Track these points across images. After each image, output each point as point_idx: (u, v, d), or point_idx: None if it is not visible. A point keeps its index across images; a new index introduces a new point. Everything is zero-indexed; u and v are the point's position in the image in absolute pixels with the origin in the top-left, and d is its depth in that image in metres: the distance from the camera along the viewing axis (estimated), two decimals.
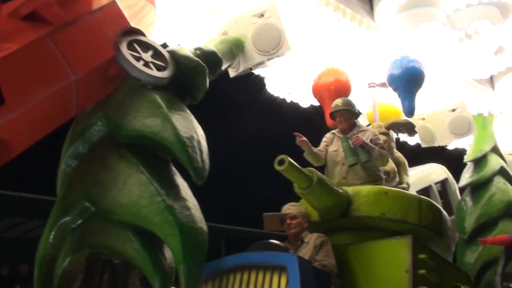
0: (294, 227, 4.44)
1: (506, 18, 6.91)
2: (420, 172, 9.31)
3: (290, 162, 3.99)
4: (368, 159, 4.75)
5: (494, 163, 9.06)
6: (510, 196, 8.82)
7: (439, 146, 11.04)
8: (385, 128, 6.70)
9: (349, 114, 5.08)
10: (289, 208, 4.54)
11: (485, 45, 6.90)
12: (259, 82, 8.05)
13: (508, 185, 9.02)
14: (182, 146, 3.56)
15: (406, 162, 6.85)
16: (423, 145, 9.11)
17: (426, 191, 9.11)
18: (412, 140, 9.74)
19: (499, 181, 8.94)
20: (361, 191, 4.53)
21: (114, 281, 3.92)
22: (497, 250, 7.87)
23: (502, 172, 9.07)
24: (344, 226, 4.62)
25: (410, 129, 6.98)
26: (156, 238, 3.38)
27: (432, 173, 9.44)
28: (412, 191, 8.72)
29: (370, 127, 6.55)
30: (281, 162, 4.00)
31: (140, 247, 3.43)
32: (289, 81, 7.93)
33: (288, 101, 8.20)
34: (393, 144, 6.74)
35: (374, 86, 7.90)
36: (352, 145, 4.77)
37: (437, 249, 4.76)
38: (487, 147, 9.17)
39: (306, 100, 8.16)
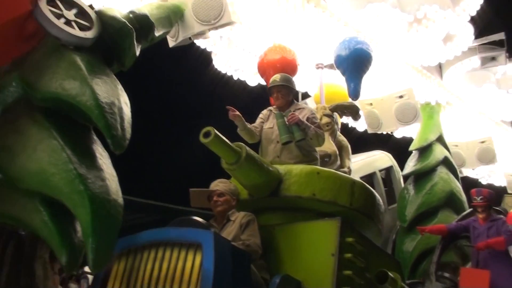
0: (220, 205, 4.23)
1: (456, 5, 6.84)
2: (365, 158, 9.23)
3: (216, 135, 3.75)
4: (302, 137, 4.57)
5: (439, 153, 9.08)
6: (451, 186, 8.86)
7: (387, 134, 11.04)
8: (330, 110, 6.54)
9: (287, 90, 4.88)
10: (217, 185, 4.32)
11: (434, 31, 6.81)
12: (206, 56, 7.79)
13: (451, 175, 9.07)
14: (100, 111, 3.28)
15: (349, 147, 6.72)
16: (370, 131, 9.04)
17: (370, 177, 9.05)
18: (360, 126, 9.68)
19: (442, 171, 8.97)
20: (292, 170, 4.34)
21: (19, 254, 3.63)
22: (435, 239, 7.89)
23: (445, 162, 9.10)
24: (273, 206, 4.43)
25: (354, 112, 6.83)
26: (67, 210, 3.11)
27: (377, 160, 9.38)
28: (356, 177, 8.67)
29: (313, 108, 6.38)
30: (207, 135, 3.75)
31: (48, 218, 3.16)
32: (236, 58, 7.69)
33: (235, 78, 7.96)
34: (337, 127, 6.60)
35: (322, 67, 7.74)
36: (287, 122, 4.57)
37: (368, 234, 4.64)
38: (432, 137, 9.18)
39: (254, 78, 7.94)
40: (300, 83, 8.47)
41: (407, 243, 8.42)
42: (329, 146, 5.95)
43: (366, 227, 4.60)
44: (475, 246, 7.14)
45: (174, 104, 14.89)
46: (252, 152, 4.04)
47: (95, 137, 3.63)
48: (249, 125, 4.75)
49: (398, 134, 10.97)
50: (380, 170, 9.25)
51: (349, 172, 6.26)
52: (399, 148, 9.82)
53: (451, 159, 9.32)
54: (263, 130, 4.85)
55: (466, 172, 13.44)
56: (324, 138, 4.84)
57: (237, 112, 4.58)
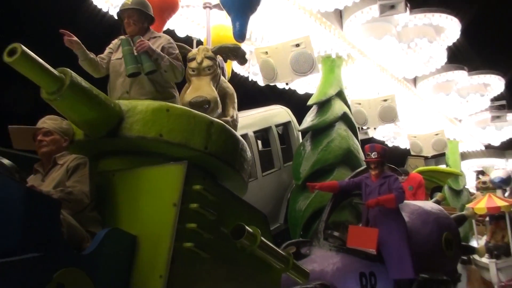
0: (46, 145, 3.45)
1: None
2: (262, 112, 8.69)
3: (24, 52, 2.93)
4: (153, 69, 3.84)
5: (338, 108, 8.67)
6: (349, 143, 8.50)
7: (290, 89, 10.56)
8: (212, 52, 5.86)
9: (140, 15, 4.11)
10: (44, 122, 3.54)
11: None
12: None
13: (349, 132, 8.70)
14: None
15: (235, 95, 6.08)
16: (264, 82, 8.47)
17: (265, 132, 8.54)
18: (260, 80, 9.08)
19: (340, 128, 8.58)
20: (137, 106, 3.61)
21: None
22: (329, 198, 7.52)
23: (344, 118, 8.72)
24: (114, 149, 3.70)
25: (240, 56, 6.15)
26: None
27: (274, 114, 8.87)
28: (249, 131, 8.11)
29: (195, 49, 5.66)
30: (12, 53, 2.93)
31: None
32: None
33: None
34: (220, 71, 5.94)
35: (210, 7, 7.04)
36: (135, 51, 3.83)
37: (230, 185, 4.04)
38: (332, 92, 8.74)
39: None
40: (187, 25, 7.73)
41: (300, 201, 8.01)
42: (209, 91, 5.25)
43: (226, 176, 3.98)
44: (365, 204, 6.78)
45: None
46: (79, 79, 3.25)
47: None
48: (92, 55, 3.97)
49: (301, 89, 10.54)
50: (277, 125, 8.76)
51: (233, 122, 5.65)
52: (303, 106, 9.29)
53: (351, 116, 8.96)
54: (111, 61, 4.08)
55: (372, 133, 13.33)
56: (183, 72, 4.16)
57: (74, 38, 3.77)
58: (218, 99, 5.27)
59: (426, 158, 13.86)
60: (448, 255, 7.49)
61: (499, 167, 14.48)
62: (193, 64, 4.61)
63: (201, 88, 4.58)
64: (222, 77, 6.02)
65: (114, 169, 3.60)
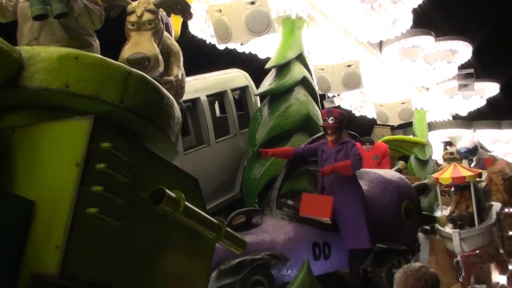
0: None
1: None
2: (217, 76, 8.23)
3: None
4: (64, 11, 3.34)
5: (297, 72, 8.25)
6: (308, 109, 8.12)
7: (251, 53, 10.07)
8: (154, 5, 5.35)
9: None
10: None
11: None
12: None
13: (309, 97, 8.31)
14: None
15: (181, 52, 5.61)
16: (219, 43, 7.99)
17: (220, 96, 8.09)
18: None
19: (300, 92, 8.19)
20: (40, 53, 3.11)
21: None
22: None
23: (304, 83, 8.32)
24: (13, 103, 3.22)
25: (184, 9, 5.66)
26: None
27: (231, 78, 8.41)
28: (202, 94, 7.64)
29: (135, 2, 5.15)
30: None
31: None
32: None
33: None
34: (163, 26, 5.45)
35: None
36: None
37: (156, 146, 3.61)
38: (291, 54, 8.31)
39: None
40: None
41: (256, 169, 7.63)
42: (149, 48, 4.76)
43: (149, 135, 3.54)
44: (320, 171, 6.43)
45: None
46: None
47: None
48: None
49: (263, 54, 10.09)
50: (233, 90, 8.31)
51: (178, 82, 5.20)
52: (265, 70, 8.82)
53: (311, 80, 8.57)
54: (18, 4, 3.57)
55: (338, 102, 12.96)
56: (101, 18, 3.66)
57: None
58: (160, 56, 4.79)
59: (393, 127, 13.60)
60: (408, 224, 7.23)
61: (466, 138, 14.26)
62: (132, 18, 4.20)
63: (140, 44, 4.14)
64: (166, 34, 5.53)
65: (14, 125, 3.12)
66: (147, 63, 4.44)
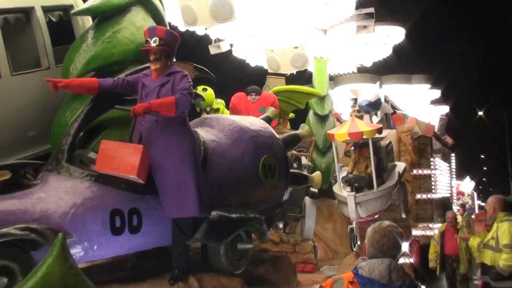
0: None
1: None
2: None
3: None
4: None
5: None
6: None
7: None
8: None
9: None
10: None
11: None
12: None
13: (151, 21, 6.38)
14: None
15: None
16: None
17: (24, 15, 6.01)
18: None
19: (137, 15, 6.25)
20: None
21: None
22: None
23: (144, 2, 6.38)
24: None
25: None
26: None
27: None
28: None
29: None
30: None
31: None
32: None
33: None
34: None
35: None
36: None
37: None
38: None
39: None
40: None
41: (69, 112, 5.69)
42: None
43: None
44: (130, 110, 4.55)
45: None
46: None
47: None
48: None
49: None
50: (48, 9, 6.22)
51: None
52: None
53: (157, 2, 6.61)
54: None
55: (226, 47, 11.06)
56: None
57: None
58: None
59: (287, 77, 11.92)
60: (268, 184, 5.55)
61: (369, 90, 12.77)
62: None
63: None
64: None
65: None
66: None
